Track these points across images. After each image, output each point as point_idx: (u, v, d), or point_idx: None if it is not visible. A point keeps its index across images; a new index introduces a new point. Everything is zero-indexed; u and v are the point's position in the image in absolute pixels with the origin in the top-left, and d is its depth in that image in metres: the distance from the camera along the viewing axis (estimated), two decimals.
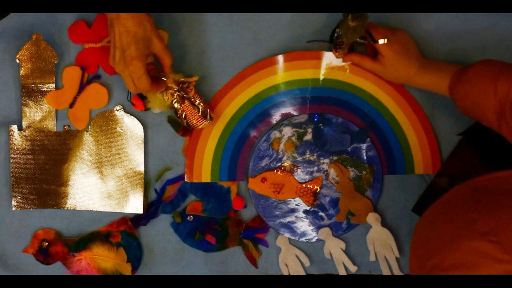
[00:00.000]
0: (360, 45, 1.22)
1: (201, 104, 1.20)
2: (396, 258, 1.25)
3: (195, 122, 1.21)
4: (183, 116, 1.20)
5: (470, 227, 0.78)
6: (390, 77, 1.21)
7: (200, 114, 1.20)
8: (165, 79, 1.18)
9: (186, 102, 1.19)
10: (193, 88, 1.20)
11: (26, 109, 1.24)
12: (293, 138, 1.25)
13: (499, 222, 0.77)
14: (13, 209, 1.26)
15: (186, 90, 1.20)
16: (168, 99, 1.19)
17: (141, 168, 1.25)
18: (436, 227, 0.85)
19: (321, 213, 1.25)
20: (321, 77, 1.24)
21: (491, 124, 1.10)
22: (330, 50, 1.23)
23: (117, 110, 1.25)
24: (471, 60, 1.22)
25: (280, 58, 1.23)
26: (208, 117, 1.21)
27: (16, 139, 1.25)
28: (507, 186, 0.83)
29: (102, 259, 1.26)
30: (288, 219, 1.25)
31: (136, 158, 1.25)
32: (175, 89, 1.19)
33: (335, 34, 1.18)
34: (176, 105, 1.19)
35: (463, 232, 0.79)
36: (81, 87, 1.24)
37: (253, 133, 1.25)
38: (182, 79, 1.19)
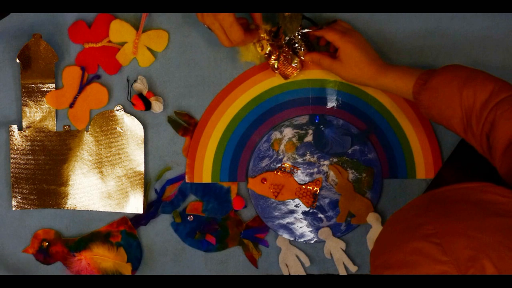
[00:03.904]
0: (320, 46, 1.22)
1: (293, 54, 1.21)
2: None
3: (288, 72, 1.21)
4: (275, 66, 1.20)
5: (417, 229, 0.82)
6: (349, 75, 1.16)
7: (292, 64, 1.20)
8: (257, 29, 1.17)
9: (278, 52, 1.19)
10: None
11: (26, 109, 1.24)
12: (294, 139, 1.25)
13: (444, 226, 0.80)
14: (13, 209, 1.26)
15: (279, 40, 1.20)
16: (262, 49, 1.19)
17: (141, 168, 1.25)
18: (388, 228, 0.89)
19: (320, 215, 1.25)
20: (325, 78, 1.24)
21: (456, 131, 1.08)
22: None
23: (117, 110, 1.25)
24: (472, 61, 1.23)
25: None
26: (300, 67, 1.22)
27: (16, 139, 1.25)
28: (462, 197, 0.86)
29: (102, 259, 1.26)
30: (287, 220, 1.25)
31: (136, 158, 1.25)
32: (267, 38, 1.18)
33: (278, 31, 1.19)
34: (271, 55, 1.19)
35: (410, 233, 0.82)
36: (81, 87, 1.24)
37: (255, 134, 1.25)
38: (274, 29, 1.19)
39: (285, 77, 1.22)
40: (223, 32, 1.12)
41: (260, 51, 1.20)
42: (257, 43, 1.19)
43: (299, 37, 1.19)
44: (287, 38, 1.19)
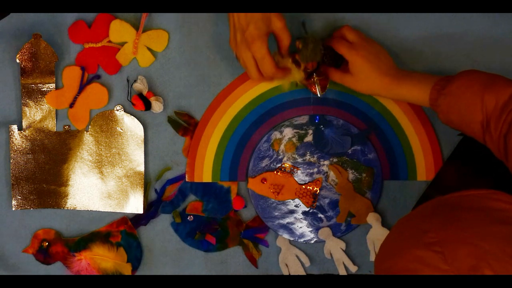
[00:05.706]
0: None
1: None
2: None
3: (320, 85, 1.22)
4: (317, 82, 1.21)
5: (420, 237, 0.82)
6: (361, 87, 1.17)
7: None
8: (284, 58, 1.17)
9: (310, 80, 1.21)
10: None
11: (26, 109, 1.24)
12: (294, 139, 1.25)
13: (446, 235, 0.81)
14: (13, 209, 1.26)
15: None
16: (299, 66, 1.18)
17: (141, 168, 1.25)
18: (393, 234, 0.89)
19: (320, 215, 1.25)
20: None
21: (475, 135, 1.08)
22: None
23: (117, 110, 1.25)
24: (472, 61, 1.23)
25: None
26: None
27: (16, 139, 1.25)
28: (468, 204, 0.86)
29: (102, 259, 1.26)
30: (287, 220, 1.25)
31: (136, 158, 1.25)
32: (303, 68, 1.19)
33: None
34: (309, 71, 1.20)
35: (413, 240, 0.83)
36: (81, 87, 1.24)
37: (255, 134, 1.25)
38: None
39: (323, 88, 1.22)
40: (254, 64, 1.11)
41: (298, 69, 1.18)
42: (293, 63, 1.17)
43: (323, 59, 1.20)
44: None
